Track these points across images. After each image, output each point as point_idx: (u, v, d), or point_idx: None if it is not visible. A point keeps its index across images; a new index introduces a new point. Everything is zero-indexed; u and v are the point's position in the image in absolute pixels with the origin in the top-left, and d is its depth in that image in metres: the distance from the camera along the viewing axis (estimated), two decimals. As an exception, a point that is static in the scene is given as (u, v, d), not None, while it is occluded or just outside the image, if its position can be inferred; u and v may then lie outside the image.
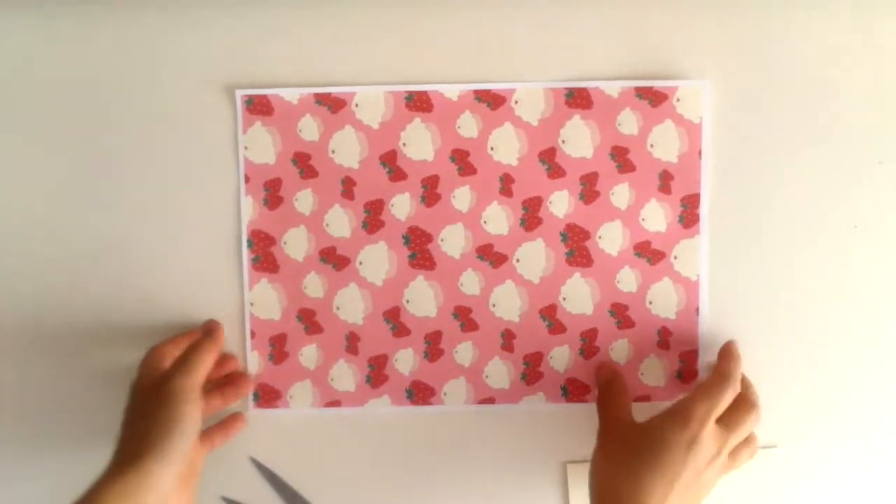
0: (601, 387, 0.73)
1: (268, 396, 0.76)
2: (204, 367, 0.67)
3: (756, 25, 0.72)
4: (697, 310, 0.74)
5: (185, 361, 0.66)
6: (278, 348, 0.75)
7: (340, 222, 0.73)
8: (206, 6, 0.72)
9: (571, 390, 0.75)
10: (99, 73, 0.73)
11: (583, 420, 0.75)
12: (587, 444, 0.71)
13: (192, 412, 0.62)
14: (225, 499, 0.76)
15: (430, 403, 0.76)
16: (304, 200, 0.73)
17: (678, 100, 0.71)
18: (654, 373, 0.75)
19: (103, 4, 0.72)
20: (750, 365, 0.72)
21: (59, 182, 0.74)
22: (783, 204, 0.73)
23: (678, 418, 0.65)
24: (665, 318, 0.74)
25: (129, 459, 0.59)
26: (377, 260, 0.74)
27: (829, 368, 0.75)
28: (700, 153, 0.72)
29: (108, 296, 0.75)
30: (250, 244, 0.73)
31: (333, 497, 0.76)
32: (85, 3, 0.72)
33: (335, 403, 0.76)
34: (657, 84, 0.71)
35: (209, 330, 0.73)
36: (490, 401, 0.76)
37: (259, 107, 0.72)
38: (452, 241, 0.73)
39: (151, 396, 0.63)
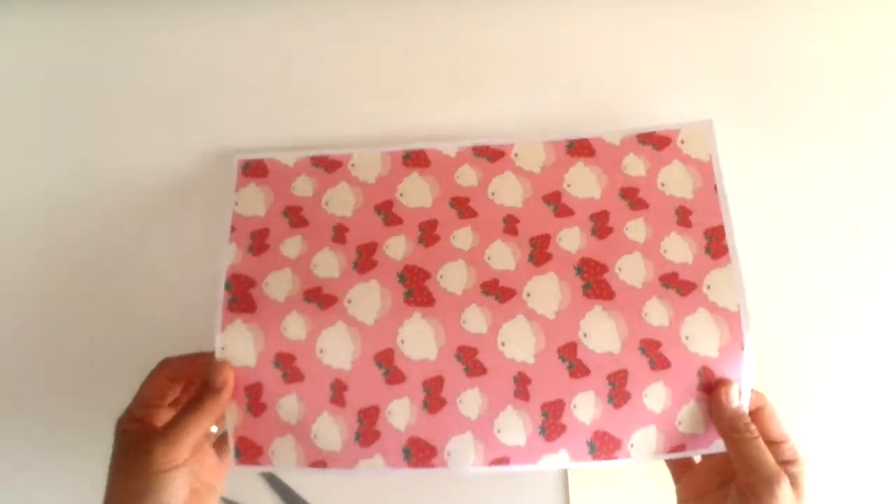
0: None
1: (249, 452, 0.63)
2: (197, 434, 0.58)
3: (743, 35, 0.74)
4: (743, 345, 0.62)
5: (173, 427, 0.58)
6: (254, 399, 0.63)
7: (329, 264, 0.66)
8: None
9: (600, 446, 0.62)
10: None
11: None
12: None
13: (174, 489, 0.56)
14: (225, 499, 0.72)
15: (431, 465, 0.62)
16: (291, 246, 0.67)
17: (682, 142, 0.69)
18: (693, 420, 0.62)
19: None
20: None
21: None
22: (779, 206, 0.73)
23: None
24: (705, 356, 0.62)
25: None
26: (368, 298, 0.64)
27: (829, 368, 0.72)
28: (715, 188, 0.67)
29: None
30: (228, 286, 0.66)
31: (333, 498, 0.72)
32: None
33: (320, 464, 0.62)
34: (659, 129, 0.69)
35: (212, 386, 0.61)
36: (503, 461, 0.62)
37: (255, 170, 0.70)
38: (453, 278, 0.65)
39: (133, 458, 0.57)
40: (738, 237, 0.66)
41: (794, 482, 0.57)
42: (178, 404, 0.64)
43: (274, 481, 0.72)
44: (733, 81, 0.73)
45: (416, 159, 0.70)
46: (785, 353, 0.71)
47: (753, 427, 0.59)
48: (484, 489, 0.71)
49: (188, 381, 0.64)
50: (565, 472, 0.71)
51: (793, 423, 0.64)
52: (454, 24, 0.74)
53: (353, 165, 0.70)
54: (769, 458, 0.57)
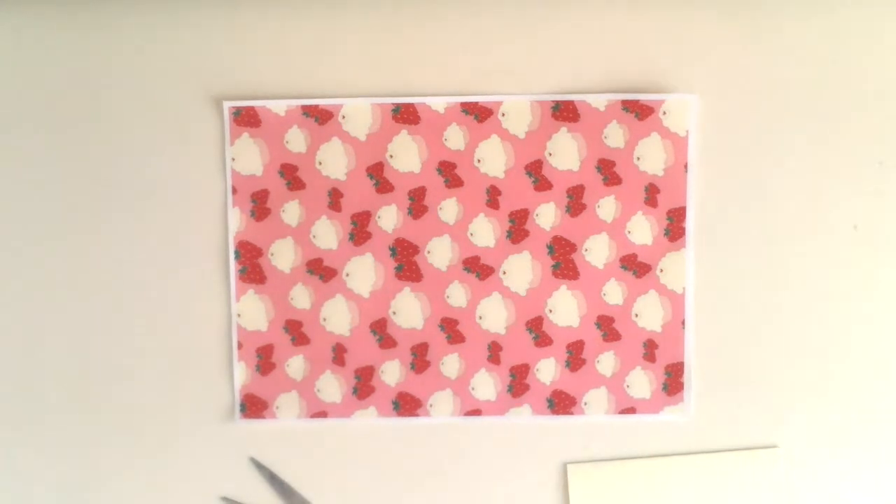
0: None
1: (254, 407, 0.75)
2: None
3: (745, 35, 0.73)
4: (683, 323, 0.74)
5: None
6: (265, 359, 0.74)
7: (327, 234, 0.73)
8: (195, 18, 0.74)
9: (557, 402, 0.75)
10: (86, 83, 0.74)
11: (583, 420, 0.76)
12: (587, 444, 0.75)
13: None
14: (225, 499, 0.76)
15: (416, 415, 0.75)
16: (290, 212, 0.73)
17: (665, 113, 0.72)
18: (640, 385, 0.75)
19: (91, 13, 0.73)
20: (747, 368, 0.75)
21: (45, 193, 0.75)
22: (780, 207, 0.74)
23: None
24: (651, 331, 0.74)
25: None
26: (364, 271, 0.74)
27: (829, 369, 0.75)
28: (686, 167, 0.73)
29: (91, 306, 0.76)
30: (237, 255, 0.73)
31: (333, 498, 0.76)
32: (72, 13, 0.73)
33: (321, 414, 0.75)
34: (644, 98, 0.72)
35: None
36: (476, 413, 0.75)
37: (246, 118, 0.72)
38: (439, 253, 0.73)
39: None
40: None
41: None
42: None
43: (275, 481, 0.76)
44: (733, 81, 0.73)
45: (405, 114, 0.74)
46: (784, 354, 0.75)
47: None
48: (485, 489, 0.76)
49: None
50: (565, 472, 0.75)
51: (793, 425, 0.75)
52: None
53: (343, 117, 0.74)
54: None
